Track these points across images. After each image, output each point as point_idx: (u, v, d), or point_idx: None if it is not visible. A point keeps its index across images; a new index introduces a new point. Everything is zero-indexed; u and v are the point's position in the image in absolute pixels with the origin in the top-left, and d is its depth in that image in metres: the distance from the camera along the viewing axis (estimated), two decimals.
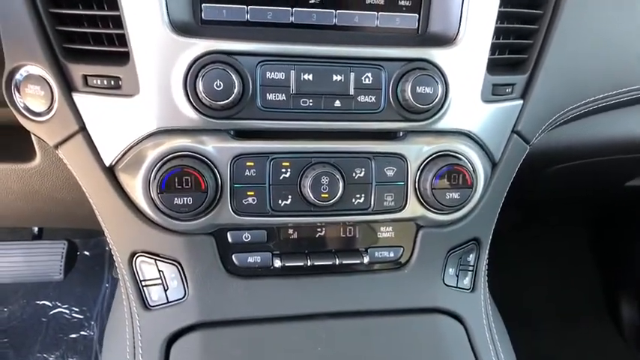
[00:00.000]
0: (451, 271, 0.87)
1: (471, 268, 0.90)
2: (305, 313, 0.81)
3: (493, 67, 0.77)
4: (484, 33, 0.74)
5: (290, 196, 0.74)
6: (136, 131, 0.70)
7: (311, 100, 0.71)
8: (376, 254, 0.81)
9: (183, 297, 0.78)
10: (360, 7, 0.74)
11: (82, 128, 0.71)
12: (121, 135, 0.71)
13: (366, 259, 0.81)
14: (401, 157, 0.76)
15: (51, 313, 1.92)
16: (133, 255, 0.78)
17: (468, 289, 0.90)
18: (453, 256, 0.87)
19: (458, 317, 0.87)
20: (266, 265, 0.78)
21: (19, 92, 0.70)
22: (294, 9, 0.72)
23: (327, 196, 0.73)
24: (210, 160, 0.71)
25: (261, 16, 0.72)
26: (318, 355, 0.79)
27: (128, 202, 0.74)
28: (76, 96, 0.70)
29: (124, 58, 0.68)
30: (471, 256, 0.89)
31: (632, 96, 0.92)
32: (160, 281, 0.79)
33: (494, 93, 0.78)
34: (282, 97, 0.70)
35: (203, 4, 0.70)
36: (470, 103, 0.76)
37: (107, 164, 0.73)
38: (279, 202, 0.74)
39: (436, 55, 0.72)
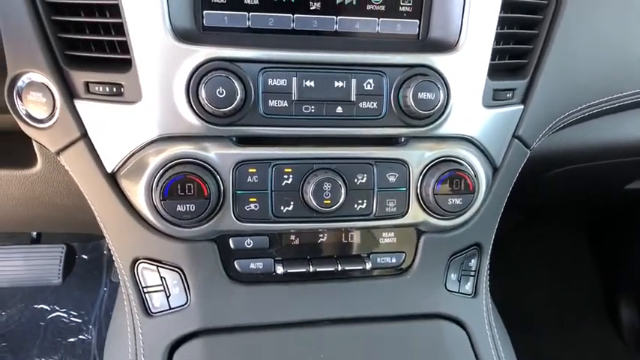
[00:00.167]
0: (453, 276, 0.87)
1: (472, 273, 0.90)
2: (307, 320, 0.81)
3: (494, 72, 0.77)
4: (485, 38, 0.74)
5: (292, 203, 0.74)
6: (138, 138, 0.70)
7: (313, 107, 0.71)
8: (378, 260, 0.81)
9: (186, 303, 0.78)
10: (360, 13, 0.74)
11: (84, 135, 0.71)
12: (123, 142, 0.71)
13: (368, 265, 0.80)
14: (403, 163, 0.76)
15: (49, 317, 1.92)
16: (134, 261, 0.78)
17: (469, 295, 0.90)
18: (454, 261, 0.86)
19: (460, 323, 0.86)
20: (268, 271, 0.78)
21: (21, 99, 0.70)
22: (295, 15, 0.72)
23: (329, 202, 0.73)
24: (212, 167, 0.70)
25: (263, 23, 0.72)
26: None
27: (130, 208, 0.73)
28: (77, 103, 0.69)
29: (126, 65, 0.68)
30: (472, 261, 0.89)
31: (632, 100, 0.92)
32: (162, 288, 0.78)
33: (495, 98, 0.78)
34: (284, 103, 0.70)
35: (205, 11, 0.70)
36: (471, 109, 0.77)
37: (109, 171, 0.72)
38: (282, 208, 0.74)
39: (437, 61, 0.72)
